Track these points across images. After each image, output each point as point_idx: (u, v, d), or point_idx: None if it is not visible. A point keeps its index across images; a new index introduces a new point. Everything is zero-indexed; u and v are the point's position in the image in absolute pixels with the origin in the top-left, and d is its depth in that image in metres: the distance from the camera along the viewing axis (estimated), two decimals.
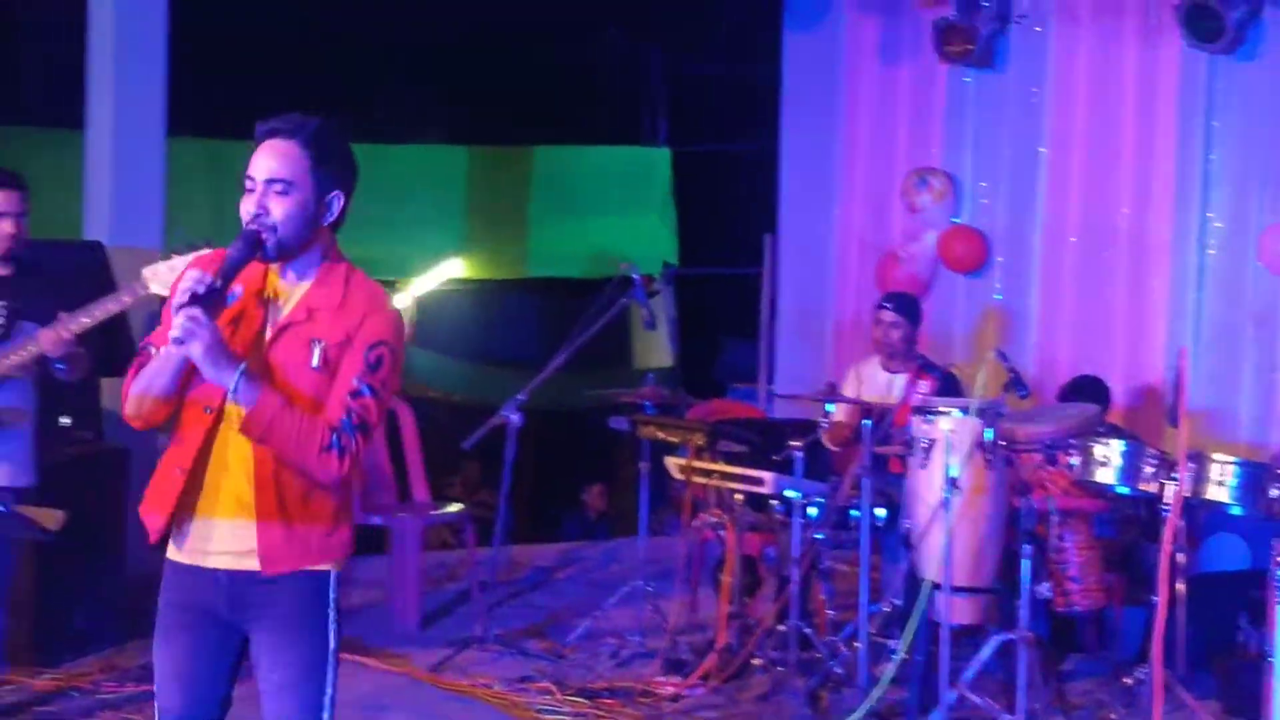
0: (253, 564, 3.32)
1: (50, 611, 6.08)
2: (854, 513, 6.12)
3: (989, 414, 5.66)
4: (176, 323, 3.10)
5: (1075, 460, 5.79)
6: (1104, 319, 8.06)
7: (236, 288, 3.27)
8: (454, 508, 7.64)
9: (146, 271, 4.54)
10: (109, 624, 6.36)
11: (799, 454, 6.20)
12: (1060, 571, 5.91)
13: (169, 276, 4.21)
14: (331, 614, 3.41)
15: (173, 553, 3.39)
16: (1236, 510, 5.63)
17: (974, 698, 5.59)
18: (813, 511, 6.22)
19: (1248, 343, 7.48)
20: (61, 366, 4.91)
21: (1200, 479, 5.52)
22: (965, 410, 5.69)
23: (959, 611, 5.66)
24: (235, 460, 3.28)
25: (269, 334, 3.32)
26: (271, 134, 3.31)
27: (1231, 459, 5.58)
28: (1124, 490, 5.74)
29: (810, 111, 9.65)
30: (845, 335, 9.27)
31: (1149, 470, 5.65)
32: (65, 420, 5.94)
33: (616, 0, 11.50)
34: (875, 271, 9.00)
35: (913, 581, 5.77)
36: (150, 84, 7.82)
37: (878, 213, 9.22)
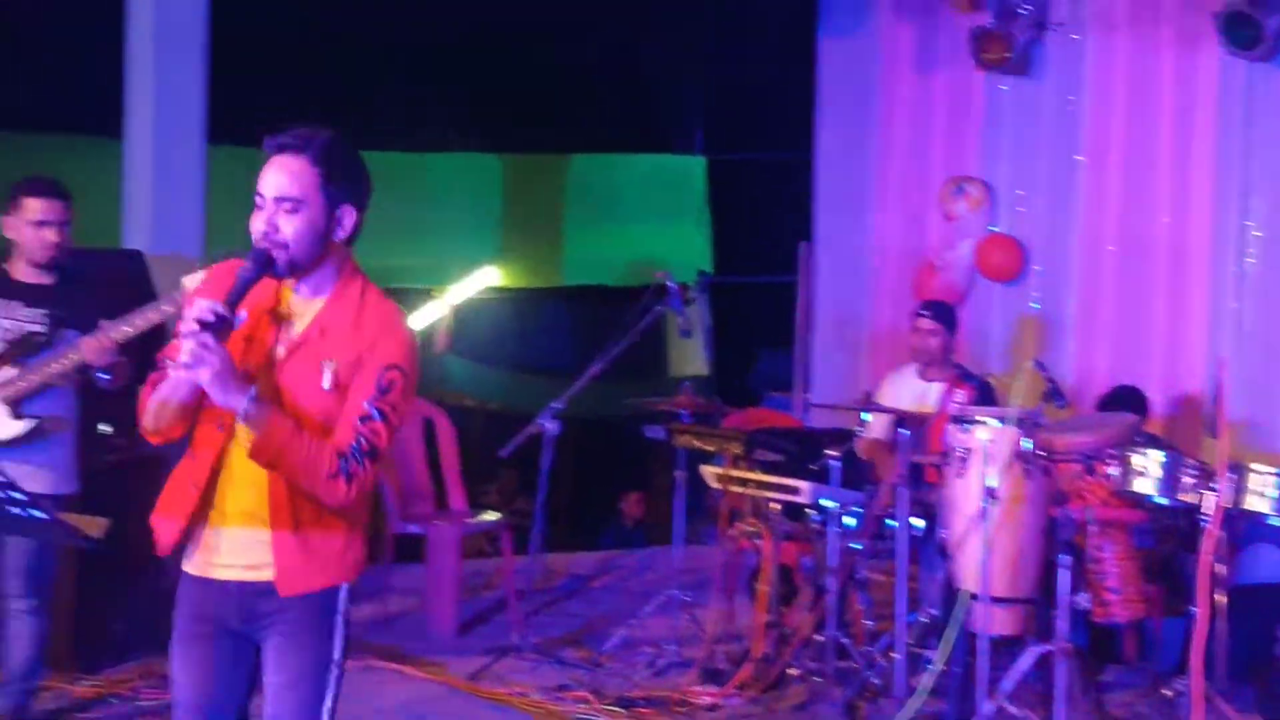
0: (262, 575, 3.32)
1: (90, 618, 6.12)
2: (891, 522, 6.11)
3: (1027, 424, 5.64)
4: (185, 348, 3.09)
5: (1114, 470, 5.76)
6: (1142, 328, 8.02)
7: (241, 312, 3.24)
8: (491, 516, 7.66)
9: (187, 280, 4.56)
10: (148, 631, 6.39)
11: (835, 463, 6.19)
12: (1099, 582, 5.88)
13: None
14: (339, 623, 3.40)
15: (186, 564, 3.41)
16: (1276, 521, 5.59)
17: (1012, 709, 5.57)
18: (849, 521, 6.21)
19: None
20: (104, 375, 4.94)
21: (1240, 490, 5.48)
22: (1003, 420, 5.67)
23: (997, 622, 5.64)
24: (247, 474, 3.28)
25: (281, 352, 3.31)
26: (280, 149, 3.28)
27: (1272, 470, 5.54)
28: (1163, 501, 5.70)
29: (846, 119, 9.63)
30: (881, 344, 9.25)
31: (1188, 481, 5.62)
32: (105, 428, 5.97)
33: (652, 8, 11.51)
34: (912, 280, 8.98)
35: (950, 592, 5.75)
36: (190, 92, 7.85)
37: (914, 221, 9.20)
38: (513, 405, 12.41)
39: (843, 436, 6.53)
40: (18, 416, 5.03)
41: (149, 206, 7.81)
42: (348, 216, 3.32)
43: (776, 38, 10.80)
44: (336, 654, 3.40)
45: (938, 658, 5.64)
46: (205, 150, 7.89)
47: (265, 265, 3.23)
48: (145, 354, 5.17)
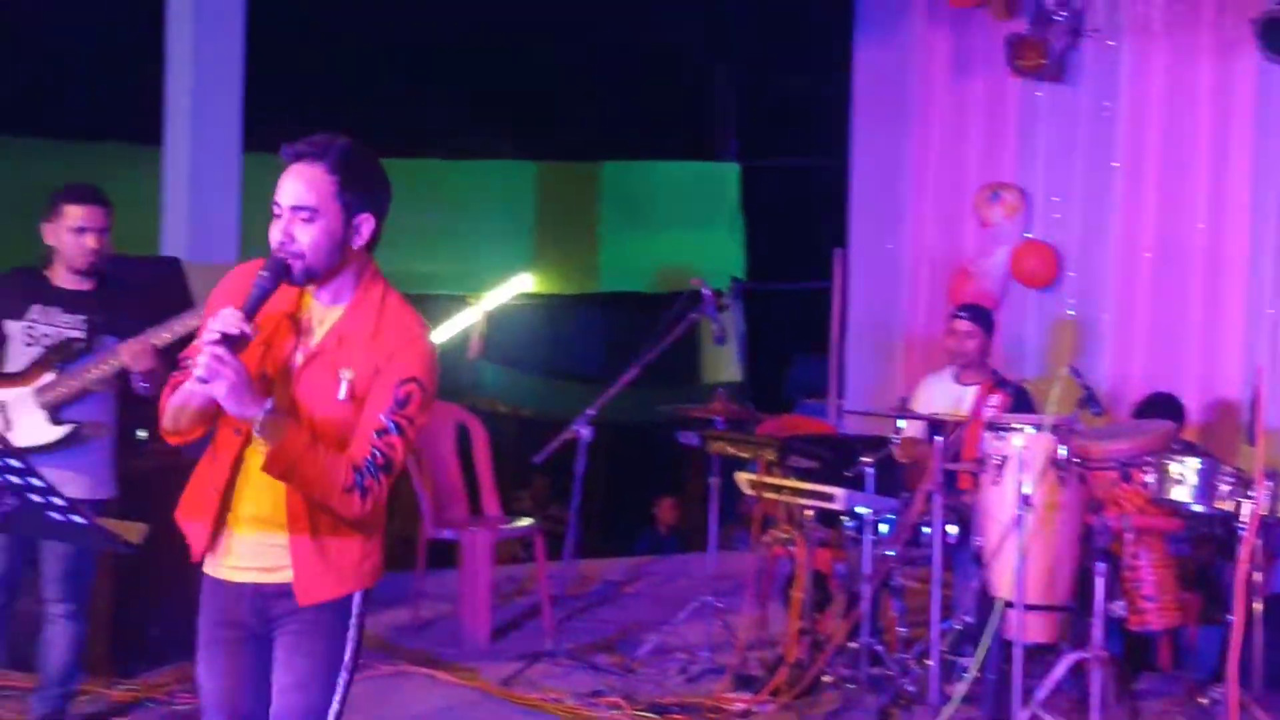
0: (276, 578, 3.33)
1: (127, 623, 6.16)
2: (925, 529, 6.10)
3: (1063, 430, 5.63)
4: (201, 361, 3.07)
5: (1150, 478, 5.74)
6: (1178, 335, 7.98)
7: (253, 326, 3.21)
8: (525, 521, 7.66)
9: None
10: (184, 635, 6.40)
11: (870, 470, 6.18)
12: (1134, 590, 5.85)
13: None
14: (352, 626, 3.39)
15: (206, 567, 3.43)
16: None
17: (1047, 717, 5.54)
18: (884, 528, 6.20)
19: None
20: (143, 382, 4.97)
21: (1277, 497, 5.45)
22: (1039, 427, 5.65)
23: (1032, 629, 5.62)
24: (263, 478, 3.26)
25: (299, 359, 3.29)
26: (297, 157, 3.25)
27: None
28: (1199, 508, 5.67)
29: (881, 125, 9.62)
30: (915, 350, 9.23)
31: (1225, 488, 5.59)
32: (143, 434, 6.00)
33: (687, 16, 11.53)
34: (946, 286, 8.96)
35: (985, 599, 5.74)
36: (227, 100, 7.91)
37: (949, 227, 9.18)
38: (546, 411, 12.45)
39: (877, 443, 6.52)
40: (57, 422, 5.06)
41: (186, 214, 7.87)
42: (365, 224, 3.28)
43: (811, 44, 10.81)
44: (347, 658, 3.39)
45: (972, 665, 5.63)
46: (241, 158, 7.94)
47: (282, 274, 3.21)
48: (176, 360, 5.23)
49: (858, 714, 5.97)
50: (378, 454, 3.22)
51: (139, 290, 5.32)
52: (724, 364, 12.85)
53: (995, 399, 6.71)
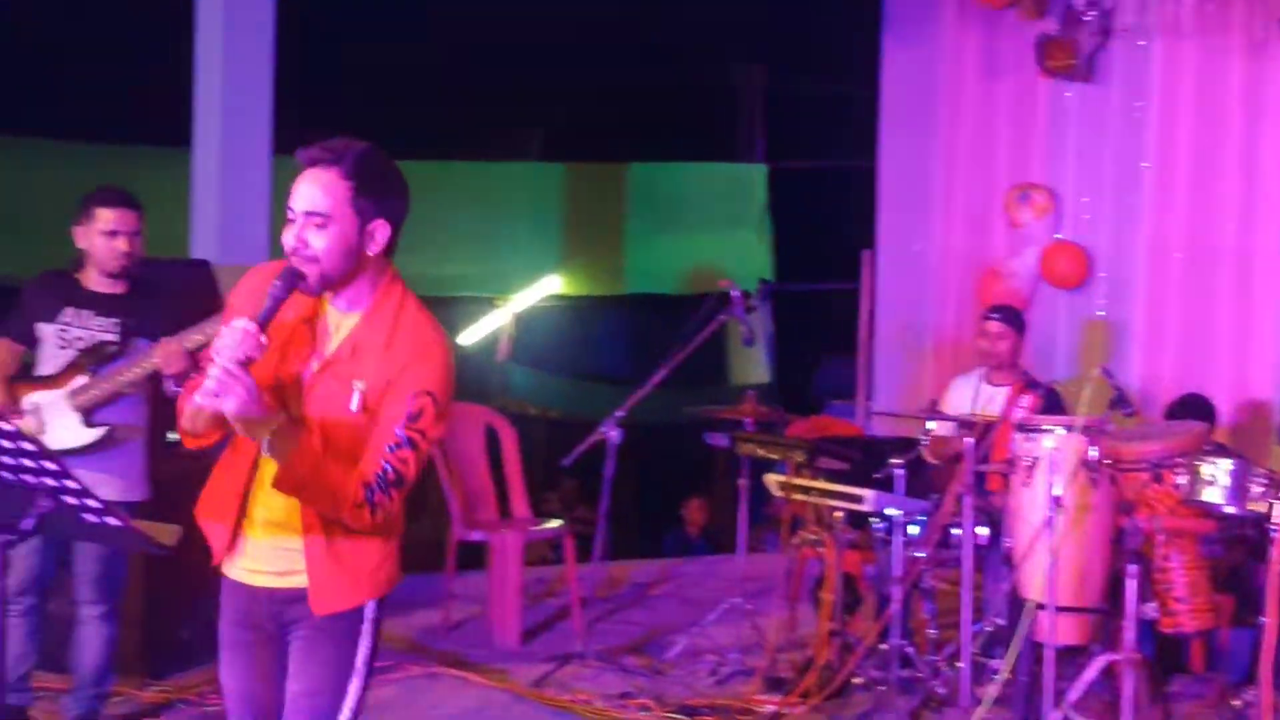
0: (291, 583, 3.32)
1: (158, 624, 6.18)
2: (956, 530, 6.08)
3: (1093, 432, 5.61)
4: (212, 374, 3.03)
5: (1182, 479, 5.70)
6: (1209, 335, 7.95)
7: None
8: (554, 523, 7.67)
9: None
10: (214, 637, 6.44)
11: (900, 471, 6.17)
12: (1166, 592, 5.82)
13: None
14: (365, 631, 3.36)
15: (226, 568, 3.43)
16: None
17: (1078, 719, 5.53)
18: (914, 529, 6.19)
19: None
20: (176, 385, 4.99)
21: None
22: (1069, 428, 5.63)
23: (1063, 631, 5.60)
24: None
25: (314, 367, 3.26)
26: (312, 162, 3.22)
27: None
28: (1231, 510, 5.63)
29: (910, 126, 9.60)
30: (944, 352, 9.21)
31: (1257, 490, 5.54)
32: (174, 436, 6.02)
33: (714, 17, 11.52)
34: (975, 287, 8.94)
35: (1015, 601, 5.72)
36: (257, 103, 7.93)
37: (978, 228, 9.16)
38: (574, 413, 12.46)
39: (906, 444, 6.51)
40: (90, 424, 5.09)
41: (216, 217, 7.89)
42: (380, 231, 3.22)
43: (839, 45, 10.79)
44: (360, 663, 3.36)
45: (1003, 667, 5.61)
46: (271, 161, 7.96)
47: (295, 281, 3.18)
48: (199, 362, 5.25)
49: (888, 716, 5.96)
50: (389, 469, 3.18)
51: (170, 293, 5.34)
52: (752, 365, 12.85)
53: (1026, 400, 6.70)
